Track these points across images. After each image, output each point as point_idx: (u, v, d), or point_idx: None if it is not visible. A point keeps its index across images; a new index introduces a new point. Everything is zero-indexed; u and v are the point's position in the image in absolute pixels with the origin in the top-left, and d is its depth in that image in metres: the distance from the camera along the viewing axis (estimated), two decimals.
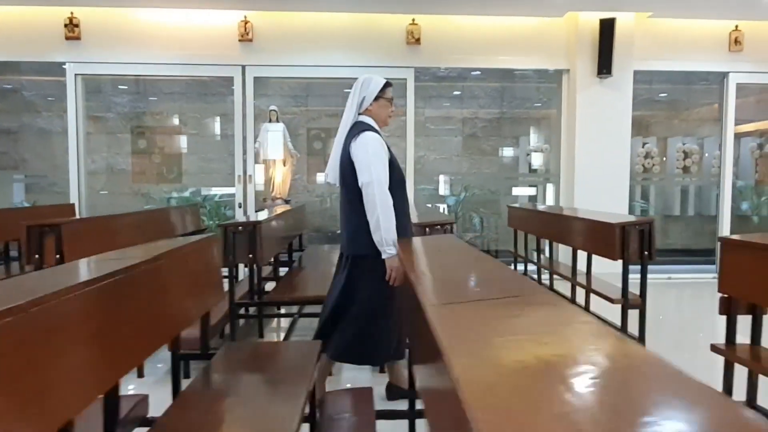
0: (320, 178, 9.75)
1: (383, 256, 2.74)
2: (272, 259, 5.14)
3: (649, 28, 6.96)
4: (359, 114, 2.89)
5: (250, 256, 3.70)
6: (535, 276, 5.79)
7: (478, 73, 9.58)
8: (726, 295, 2.71)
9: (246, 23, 6.56)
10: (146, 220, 5.15)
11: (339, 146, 2.90)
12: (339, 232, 3.01)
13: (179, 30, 6.54)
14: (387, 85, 2.94)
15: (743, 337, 2.72)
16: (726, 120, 7.23)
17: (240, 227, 3.71)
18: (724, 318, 2.72)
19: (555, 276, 5.34)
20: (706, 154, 9.63)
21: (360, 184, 2.74)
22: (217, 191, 8.97)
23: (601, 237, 3.94)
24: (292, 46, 6.70)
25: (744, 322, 2.70)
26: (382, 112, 2.92)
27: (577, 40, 6.81)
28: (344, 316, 2.89)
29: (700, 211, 9.96)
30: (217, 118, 9.34)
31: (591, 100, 6.83)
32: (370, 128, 2.83)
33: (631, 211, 9.94)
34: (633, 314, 3.87)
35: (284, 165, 8.86)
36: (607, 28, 6.59)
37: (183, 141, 9.42)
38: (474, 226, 9.34)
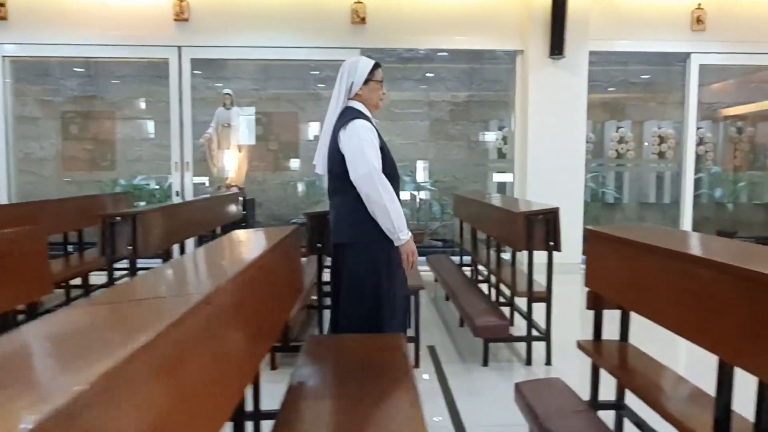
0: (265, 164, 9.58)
1: (397, 243, 2.66)
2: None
3: (606, 7, 6.63)
4: (349, 99, 2.74)
5: (130, 248, 3.49)
6: (481, 268, 5.54)
7: (446, 54, 9.28)
8: (591, 289, 2.47)
9: (181, 2, 6.30)
10: (60, 209, 4.95)
11: (327, 135, 2.76)
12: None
13: (111, 9, 6.29)
14: (376, 66, 2.77)
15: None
16: (688, 103, 6.92)
17: (119, 218, 3.50)
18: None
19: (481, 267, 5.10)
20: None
21: (353, 178, 2.59)
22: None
23: (507, 226, 3.70)
24: (231, 26, 6.44)
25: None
26: (373, 95, 2.77)
27: (530, 19, 6.50)
28: (343, 303, 2.79)
29: (677, 198, 9.64)
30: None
31: (543, 82, 6.53)
32: (360, 115, 2.68)
33: (602, 198, 9.69)
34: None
35: (239, 151, 8.66)
36: (559, 6, 6.28)
37: (132, 126, 9.22)
38: (434, 215, 9.09)
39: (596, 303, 2.45)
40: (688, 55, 6.90)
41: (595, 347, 2.44)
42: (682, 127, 7.14)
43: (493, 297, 4.65)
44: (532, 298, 3.58)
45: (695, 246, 1.89)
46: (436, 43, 7.00)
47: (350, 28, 6.62)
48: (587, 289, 2.48)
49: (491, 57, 8.98)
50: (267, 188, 9.55)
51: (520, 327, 3.89)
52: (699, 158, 9.26)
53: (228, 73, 9.31)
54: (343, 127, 2.65)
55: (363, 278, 2.70)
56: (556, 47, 6.36)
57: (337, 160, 2.68)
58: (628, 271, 2.11)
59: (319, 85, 9.74)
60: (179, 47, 6.41)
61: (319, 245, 3.39)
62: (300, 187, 9.85)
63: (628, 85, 10.01)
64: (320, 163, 2.84)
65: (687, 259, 1.68)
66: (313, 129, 9.97)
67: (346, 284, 2.75)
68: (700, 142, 9.24)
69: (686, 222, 7.01)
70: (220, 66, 9.30)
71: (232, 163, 8.64)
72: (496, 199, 4.46)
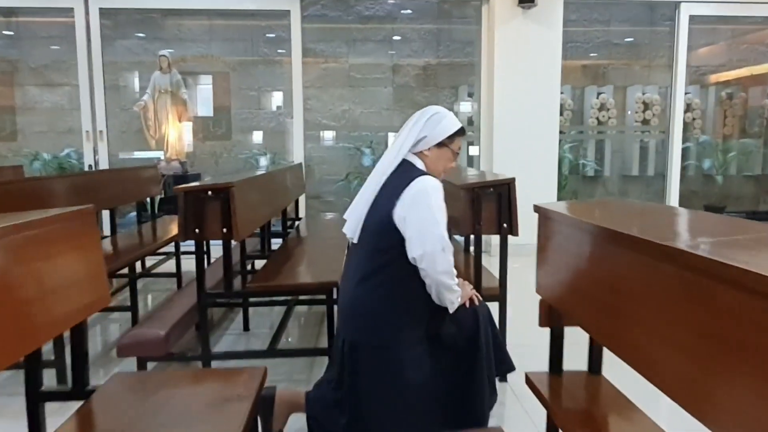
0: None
1: (452, 309, 2.07)
2: None
3: None
4: (409, 152, 2.13)
5: None
6: None
7: (410, 12, 8.40)
8: (544, 298, 1.67)
9: None
10: None
11: (373, 188, 2.09)
12: None
13: None
14: (460, 132, 2.16)
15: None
16: (677, 60, 6.09)
17: None
18: None
19: None
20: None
21: (417, 254, 1.95)
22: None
23: (451, 204, 2.88)
24: None
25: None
26: (439, 163, 2.15)
27: None
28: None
29: (662, 170, 8.91)
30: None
31: (512, 36, 5.66)
32: (425, 172, 2.08)
33: (581, 171, 8.92)
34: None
35: (179, 121, 7.77)
36: None
37: (62, 94, 8.25)
38: None
39: (551, 318, 1.64)
40: (677, 5, 6.05)
41: (551, 386, 1.63)
42: (670, 90, 6.32)
43: None
44: (481, 295, 2.76)
45: (693, 237, 1.08)
46: None
47: None
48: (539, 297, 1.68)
49: (460, 15, 8.10)
50: (221, 161, 8.67)
51: None
52: (686, 126, 8.51)
53: (168, 35, 8.36)
54: (405, 189, 1.99)
55: (384, 387, 2.04)
56: None
57: (381, 232, 2.03)
58: (590, 275, 1.30)
59: (279, 51, 8.81)
60: None
61: (196, 231, 2.54)
62: (263, 161, 9.00)
63: (610, 47, 9.18)
64: (352, 222, 2.13)
65: (676, 259, 0.87)
66: (275, 98, 9.10)
67: (357, 388, 2.07)
68: (688, 108, 8.48)
69: (673, 196, 6.25)
70: (158, 26, 8.37)
71: (172, 134, 7.77)
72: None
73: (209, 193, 2.54)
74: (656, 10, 8.30)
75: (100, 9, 5.49)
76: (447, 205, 2.17)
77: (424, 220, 1.95)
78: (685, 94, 8.13)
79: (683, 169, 8.55)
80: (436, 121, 2.12)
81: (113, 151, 7.86)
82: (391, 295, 2.02)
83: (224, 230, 2.56)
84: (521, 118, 5.70)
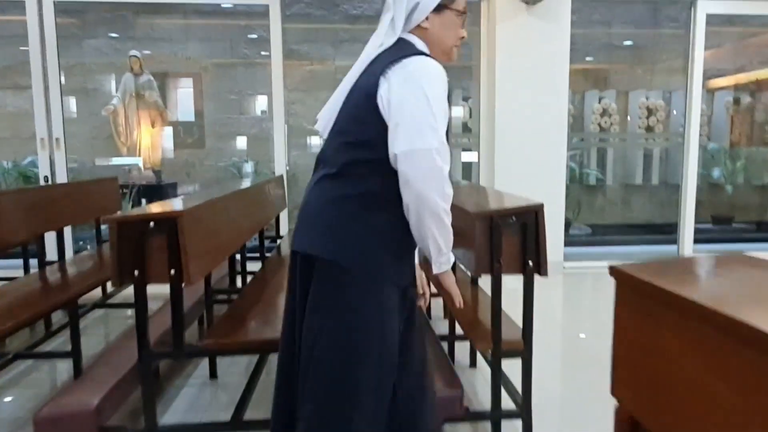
0: None
1: (436, 270, 1.62)
2: None
3: None
4: (405, 32, 1.61)
5: None
6: None
7: None
8: (623, 406, 1.12)
9: None
10: None
11: (355, 73, 1.61)
12: None
13: None
14: None
15: None
16: (693, 61, 5.59)
17: None
18: None
19: None
20: (674, 112, 8.10)
21: (399, 151, 1.44)
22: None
23: (459, 234, 2.33)
24: None
25: None
26: (446, 35, 1.61)
27: None
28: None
29: (666, 179, 8.48)
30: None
31: (515, 34, 5.13)
32: (423, 53, 1.56)
33: (581, 180, 8.43)
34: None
35: (153, 127, 7.21)
36: None
37: (26, 98, 7.64)
38: None
39: None
40: (692, 2, 5.56)
41: None
42: (685, 94, 5.80)
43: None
44: (500, 351, 2.20)
45: None
46: None
47: None
48: (615, 403, 1.13)
49: None
50: (194, 172, 8.08)
51: (487, 392, 2.52)
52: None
53: (141, 34, 7.79)
54: (392, 65, 1.50)
55: (338, 328, 1.53)
56: None
57: (358, 117, 1.55)
58: (708, 386, 0.75)
59: (263, 53, 8.26)
60: None
61: (135, 272, 1.97)
62: (247, 168, 8.45)
63: (612, 50, 8.73)
64: (324, 118, 1.67)
65: None
66: (259, 103, 8.57)
67: (307, 329, 1.57)
68: None
69: (689, 208, 5.74)
70: (130, 25, 7.80)
71: (144, 140, 7.21)
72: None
73: (151, 224, 1.97)
74: (661, 12, 7.85)
75: (56, 4, 4.89)
76: (455, 233, 1.63)
77: (416, 109, 1.45)
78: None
79: None
80: None
81: (87, 159, 7.28)
82: (364, 203, 1.53)
83: (172, 272, 1.99)
84: (525, 125, 5.17)
